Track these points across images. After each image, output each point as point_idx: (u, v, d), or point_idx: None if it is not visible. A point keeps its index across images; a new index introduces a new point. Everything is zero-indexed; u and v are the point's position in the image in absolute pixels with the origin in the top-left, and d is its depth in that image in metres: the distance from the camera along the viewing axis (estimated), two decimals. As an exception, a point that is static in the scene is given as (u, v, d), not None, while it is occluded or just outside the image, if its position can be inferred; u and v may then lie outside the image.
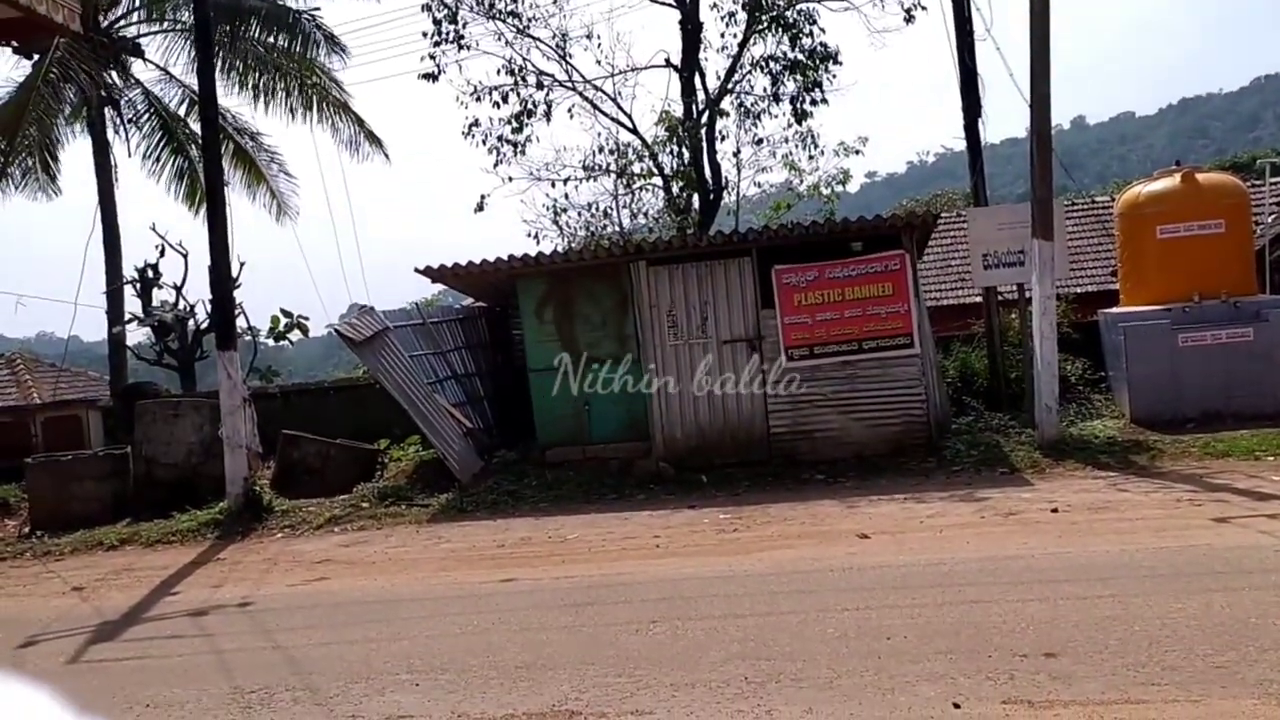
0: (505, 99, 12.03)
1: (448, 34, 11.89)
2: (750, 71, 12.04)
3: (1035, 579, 3.99)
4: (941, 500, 5.90)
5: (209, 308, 11.63)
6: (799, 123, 11.88)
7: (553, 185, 12.56)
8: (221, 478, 7.61)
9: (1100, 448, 6.83)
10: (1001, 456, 6.90)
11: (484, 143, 12.22)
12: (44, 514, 8.21)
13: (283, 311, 12.79)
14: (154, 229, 12.96)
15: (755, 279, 7.65)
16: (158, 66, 13.68)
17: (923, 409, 7.41)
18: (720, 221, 12.30)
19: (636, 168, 12.39)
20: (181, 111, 13.93)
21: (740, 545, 5.26)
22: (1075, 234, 13.54)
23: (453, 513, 7.03)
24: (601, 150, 12.40)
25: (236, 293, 9.65)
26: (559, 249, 10.73)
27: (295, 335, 12.93)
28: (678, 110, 12.17)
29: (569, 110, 12.58)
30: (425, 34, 11.99)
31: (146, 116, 13.89)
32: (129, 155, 14.08)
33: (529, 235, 12.92)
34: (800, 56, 11.57)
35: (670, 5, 12.01)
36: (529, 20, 12.16)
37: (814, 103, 11.76)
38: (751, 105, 12.13)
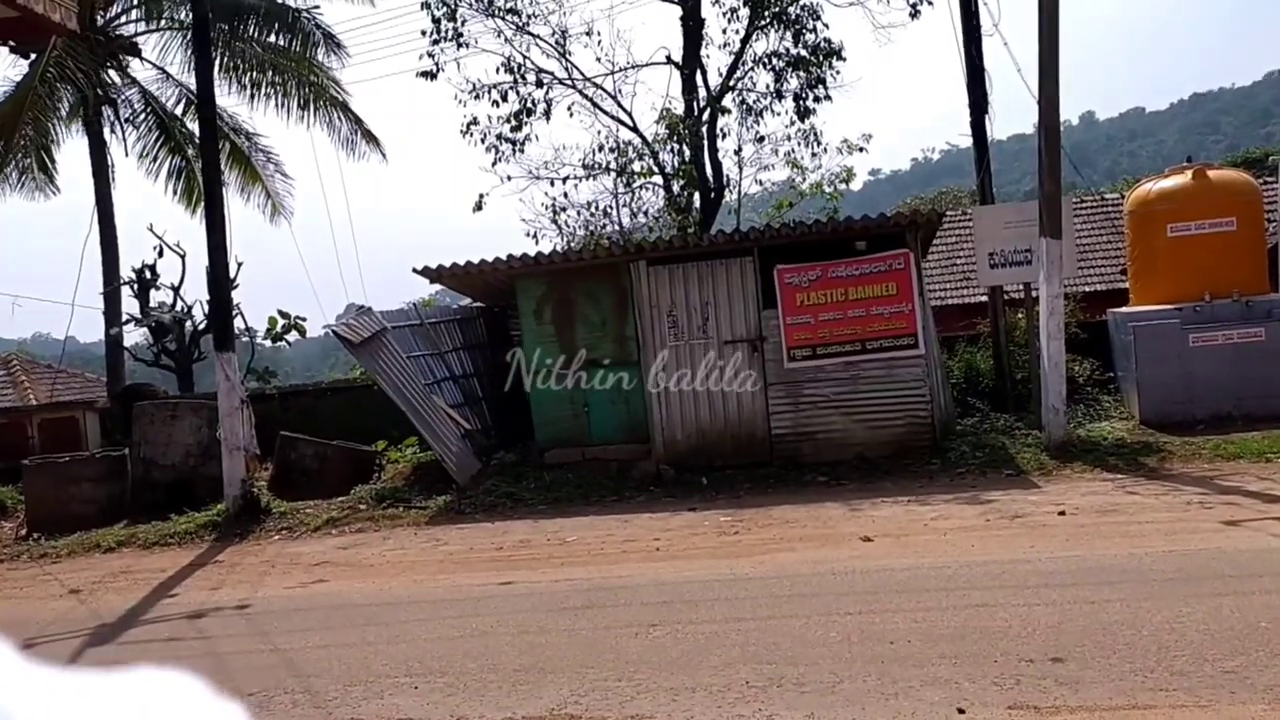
0: (504, 97, 12.02)
1: (446, 32, 11.88)
2: (753, 68, 12.01)
3: (1042, 583, 3.97)
4: (946, 503, 5.88)
5: (207, 309, 11.68)
6: (802, 120, 11.84)
7: (552, 184, 12.54)
8: (219, 479, 7.62)
9: (1109, 449, 6.80)
10: (1007, 458, 6.88)
11: (482, 141, 12.21)
12: (41, 516, 8.21)
13: (280, 313, 12.82)
14: (151, 229, 13.01)
15: (757, 279, 7.64)
16: (155, 65, 13.73)
17: (927, 410, 7.39)
18: (721, 220, 12.27)
19: (637, 166, 12.36)
20: (179, 111, 13.96)
21: (741, 548, 5.25)
22: (1084, 232, 13.48)
23: (451, 515, 7.03)
24: (601, 149, 12.37)
25: (234, 294, 9.66)
26: (558, 248, 10.72)
27: (293, 336, 12.95)
28: (679, 108, 12.14)
29: (569, 108, 12.55)
30: (424, 32, 12.00)
31: (143, 116, 13.92)
32: (126, 155, 14.13)
33: (528, 235, 12.91)
34: (803, 53, 11.53)
35: (672, 1, 12.01)
36: (528, 17, 12.15)
37: (817, 100, 11.72)
38: (754, 102, 12.10)
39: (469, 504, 7.22)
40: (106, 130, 13.35)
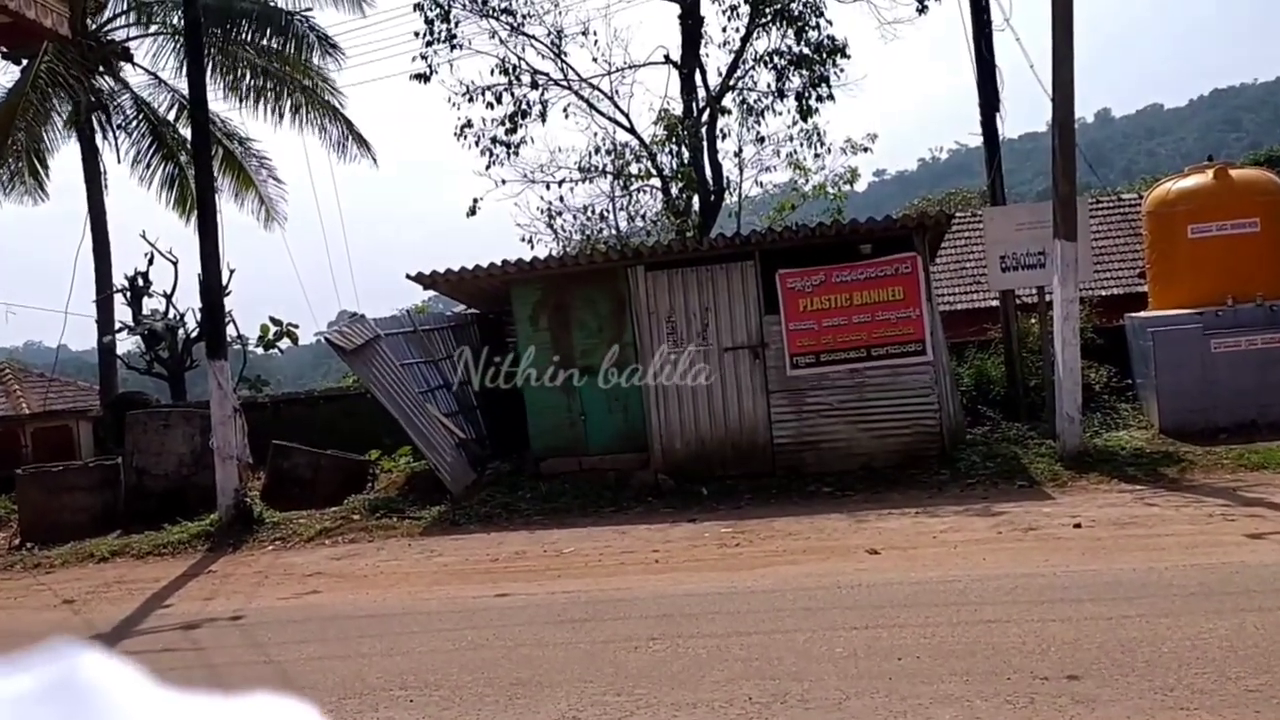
0: (499, 99, 12.03)
1: (440, 33, 11.91)
2: (753, 67, 12.00)
3: (1057, 598, 3.91)
4: (956, 514, 5.82)
5: (199, 316, 11.73)
6: (804, 120, 11.81)
7: (547, 188, 12.55)
8: (212, 489, 7.64)
9: (1127, 459, 6.72)
10: (1020, 468, 6.81)
11: (476, 144, 12.22)
12: (34, 526, 8.24)
13: (272, 320, 12.86)
14: (144, 236, 13.09)
15: (758, 283, 7.60)
16: (147, 71, 13.83)
17: (935, 419, 7.33)
18: (721, 223, 12.24)
19: (634, 168, 12.36)
20: (171, 117, 14.05)
21: (743, 560, 5.21)
22: (1100, 233, 13.42)
23: (445, 525, 7.02)
24: (598, 151, 12.37)
25: (226, 301, 9.69)
26: (554, 254, 10.71)
27: (285, 344, 12.99)
28: (677, 108, 12.13)
29: (564, 110, 12.55)
30: (417, 34, 12.05)
31: (136, 122, 14.02)
32: (118, 161, 14.24)
33: (523, 240, 12.91)
34: (806, 51, 11.51)
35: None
36: (523, 18, 12.18)
37: (820, 99, 11.68)
38: (754, 102, 12.09)
39: (464, 515, 7.20)
40: (99, 137, 13.45)
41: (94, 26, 13.26)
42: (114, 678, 0.44)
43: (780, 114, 12.10)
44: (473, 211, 12.60)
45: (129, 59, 13.70)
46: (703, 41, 12.04)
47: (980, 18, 8.89)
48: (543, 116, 12.26)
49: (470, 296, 9.63)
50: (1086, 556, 4.57)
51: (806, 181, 12.68)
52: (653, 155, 12.28)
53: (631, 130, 12.51)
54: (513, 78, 12.05)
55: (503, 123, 12.13)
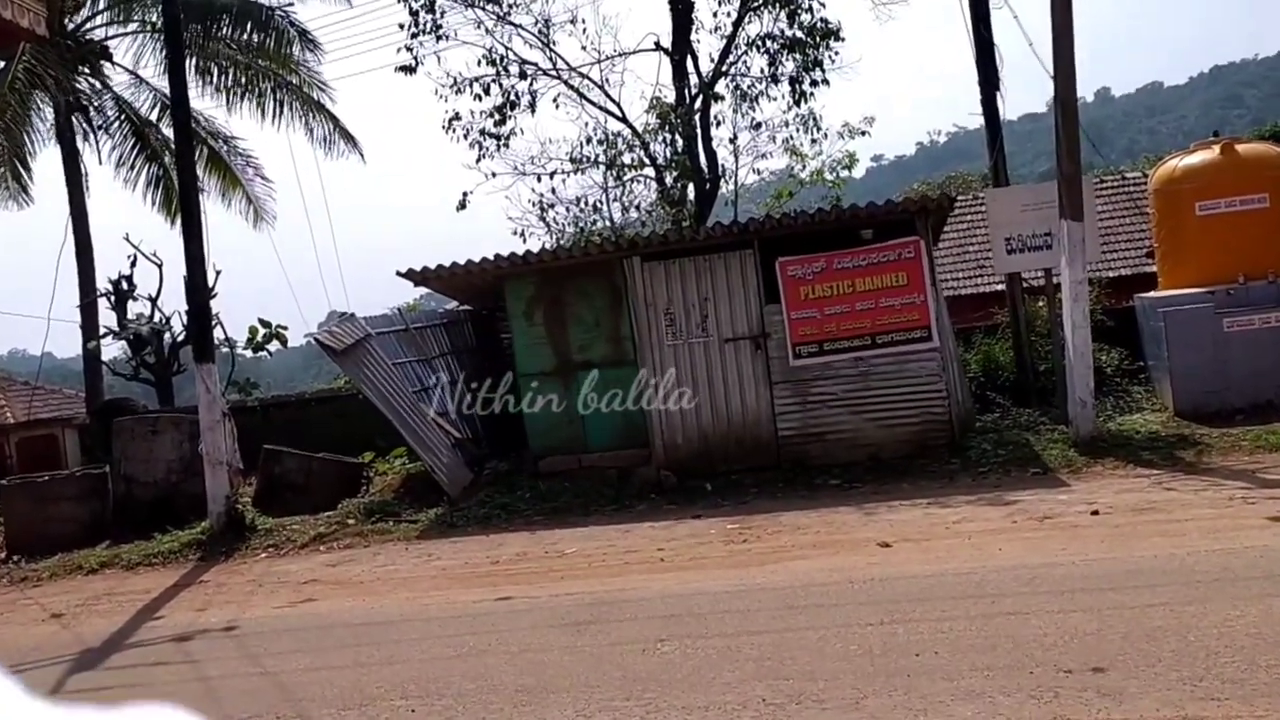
0: (487, 90, 11.94)
1: (425, 24, 11.82)
2: (746, 52, 11.92)
3: (1077, 587, 3.85)
4: (969, 504, 5.76)
5: (185, 319, 11.60)
6: (799, 105, 11.74)
7: (538, 180, 12.47)
8: (202, 496, 7.56)
9: (1142, 443, 6.65)
10: (1032, 455, 6.75)
11: (465, 137, 12.14)
12: (20, 537, 8.16)
13: (260, 322, 12.76)
14: (127, 238, 12.95)
15: (758, 272, 7.52)
16: (127, 70, 13.72)
17: (944, 406, 7.26)
18: (718, 212, 12.17)
19: (627, 158, 12.26)
20: (153, 116, 13.95)
21: (751, 557, 5.15)
22: (1105, 214, 13.34)
23: (443, 528, 6.95)
24: (589, 141, 12.29)
25: (213, 303, 9.59)
26: (547, 247, 10.62)
27: (274, 346, 12.88)
28: (669, 96, 12.05)
29: (554, 100, 12.48)
30: (402, 25, 11.94)
31: (118, 123, 13.90)
32: (100, 163, 14.12)
33: (514, 233, 12.79)
34: (799, 34, 11.42)
35: (659, -16, 11.91)
36: (509, 6, 12.08)
37: (815, 83, 11.61)
38: (748, 88, 12.01)
39: (461, 516, 7.13)
40: (79, 139, 13.32)
41: (72, 26, 13.13)
42: None
43: (775, 99, 12.05)
44: (463, 205, 12.51)
45: (108, 58, 13.57)
46: (693, 27, 11.96)
47: (977, -4, 8.79)
48: (532, 107, 12.18)
49: (463, 293, 9.54)
50: (1105, 544, 4.51)
51: (803, 168, 12.60)
52: (645, 144, 12.19)
53: (623, 119, 12.42)
54: (500, 68, 11.97)
55: (491, 114, 12.04)
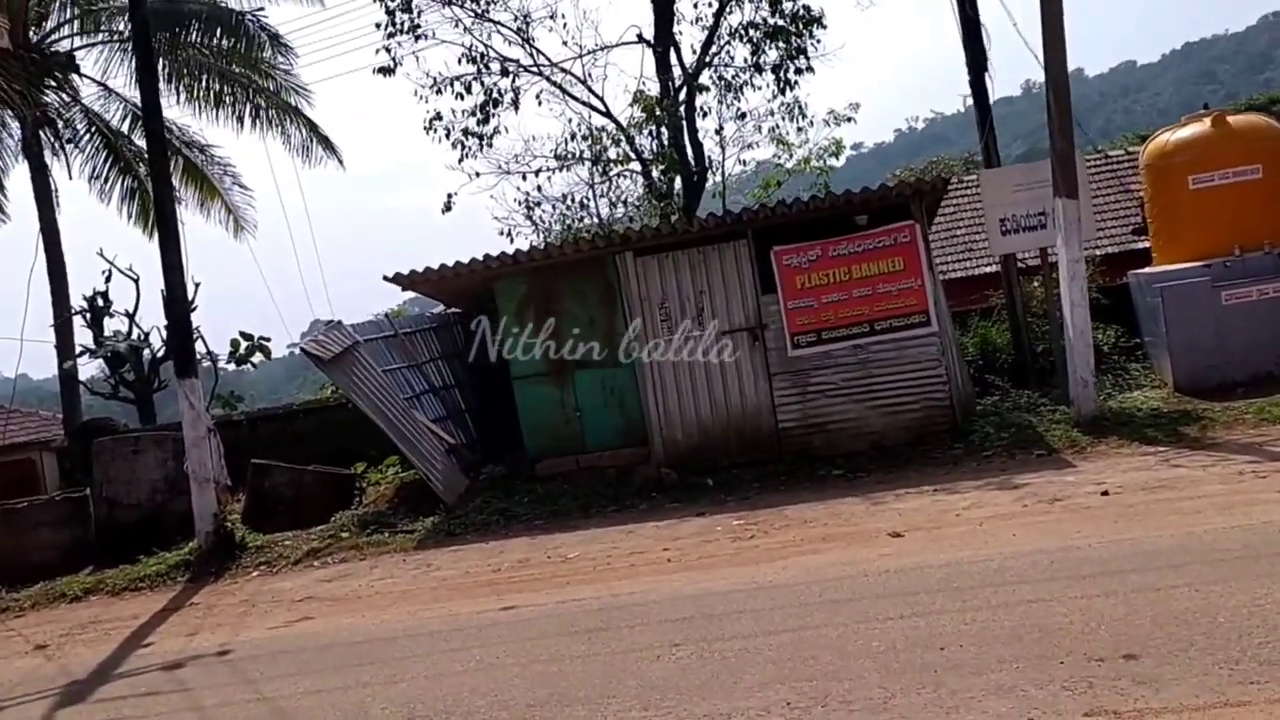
0: (468, 89, 11.80)
1: (402, 23, 11.66)
2: (729, 42, 11.84)
3: (1097, 571, 3.78)
4: (976, 489, 5.70)
5: (165, 334, 11.37)
6: (784, 93, 11.72)
7: (524, 178, 12.35)
8: (189, 515, 7.42)
9: (1145, 421, 6.63)
10: (1036, 437, 6.71)
11: (447, 137, 11.99)
12: (-1, 567, 7.93)
13: (242, 334, 12.55)
14: (101, 253, 12.69)
15: (753, 263, 7.45)
16: (96, 81, 13.44)
17: (945, 391, 7.21)
18: (706, 204, 12.09)
19: (612, 153, 12.17)
20: (125, 128, 13.69)
21: (760, 553, 5.06)
22: (1092, 192, 13.33)
23: (441, 537, 6.83)
24: (574, 137, 12.19)
25: (193, 316, 9.37)
26: (536, 245, 10.48)
27: (257, 358, 12.67)
28: (653, 89, 11.96)
29: (537, 96, 12.36)
30: (378, 25, 11.76)
31: (89, 136, 13.61)
32: (71, 178, 13.81)
33: (501, 233, 12.67)
34: (781, 22, 11.37)
35: (640, -24, 11.79)
36: (487, 3, 11.94)
37: (799, 71, 11.57)
38: (732, 78, 11.94)
39: (459, 524, 7.01)
40: (48, 153, 13.02)
41: (37, 38, 12.81)
42: None
43: (759, 89, 12.00)
44: (448, 207, 12.37)
45: (76, 69, 13.26)
46: (675, 18, 11.88)
47: (963, -25, 8.73)
48: (515, 104, 12.06)
49: (452, 296, 9.40)
50: (1120, 525, 4.45)
51: (790, 156, 12.55)
52: (631, 138, 12.09)
53: (608, 114, 12.32)
54: (481, 66, 11.84)
55: (473, 113, 11.92)
